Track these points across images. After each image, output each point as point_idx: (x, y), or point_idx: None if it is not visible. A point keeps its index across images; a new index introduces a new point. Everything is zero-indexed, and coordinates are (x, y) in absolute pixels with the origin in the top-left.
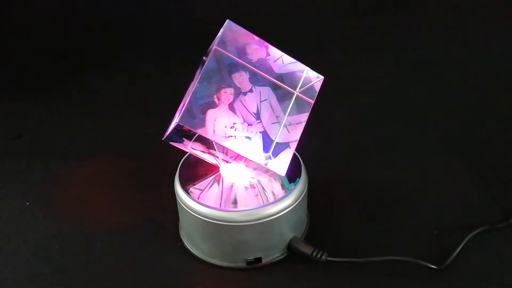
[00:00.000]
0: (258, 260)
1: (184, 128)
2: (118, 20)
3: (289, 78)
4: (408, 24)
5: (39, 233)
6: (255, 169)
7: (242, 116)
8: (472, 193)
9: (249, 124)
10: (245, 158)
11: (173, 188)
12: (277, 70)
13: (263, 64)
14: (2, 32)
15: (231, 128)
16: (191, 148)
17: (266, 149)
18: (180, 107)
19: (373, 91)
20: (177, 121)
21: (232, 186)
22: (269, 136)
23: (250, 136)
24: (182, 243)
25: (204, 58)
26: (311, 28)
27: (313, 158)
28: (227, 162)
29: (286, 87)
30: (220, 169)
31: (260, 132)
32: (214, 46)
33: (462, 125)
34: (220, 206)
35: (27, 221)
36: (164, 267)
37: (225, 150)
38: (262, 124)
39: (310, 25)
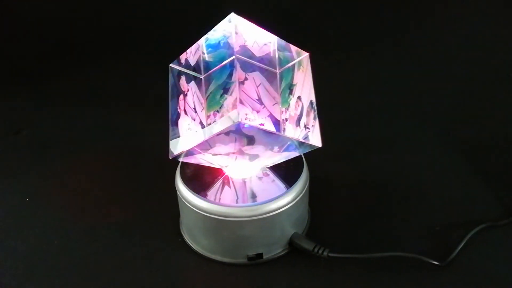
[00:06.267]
0: (259, 256)
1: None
2: (117, 18)
3: (268, 59)
4: (410, 21)
5: (38, 228)
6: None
7: (249, 105)
8: (474, 189)
9: (257, 111)
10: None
11: (173, 183)
12: (257, 53)
13: (246, 51)
14: (0, 27)
15: (245, 119)
16: (212, 155)
17: (278, 130)
18: (183, 116)
19: (374, 88)
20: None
21: (244, 181)
22: (275, 117)
23: (263, 122)
24: (183, 239)
25: (171, 65)
26: (312, 25)
27: (315, 154)
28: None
29: (270, 68)
30: (225, 169)
31: (268, 116)
32: (234, 54)
33: (464, 121)
34: (237, 202)
35: (26, 216)
36: (164, 262)
37: (269, 140)
38: (266, 108)
39: (310, 22)
